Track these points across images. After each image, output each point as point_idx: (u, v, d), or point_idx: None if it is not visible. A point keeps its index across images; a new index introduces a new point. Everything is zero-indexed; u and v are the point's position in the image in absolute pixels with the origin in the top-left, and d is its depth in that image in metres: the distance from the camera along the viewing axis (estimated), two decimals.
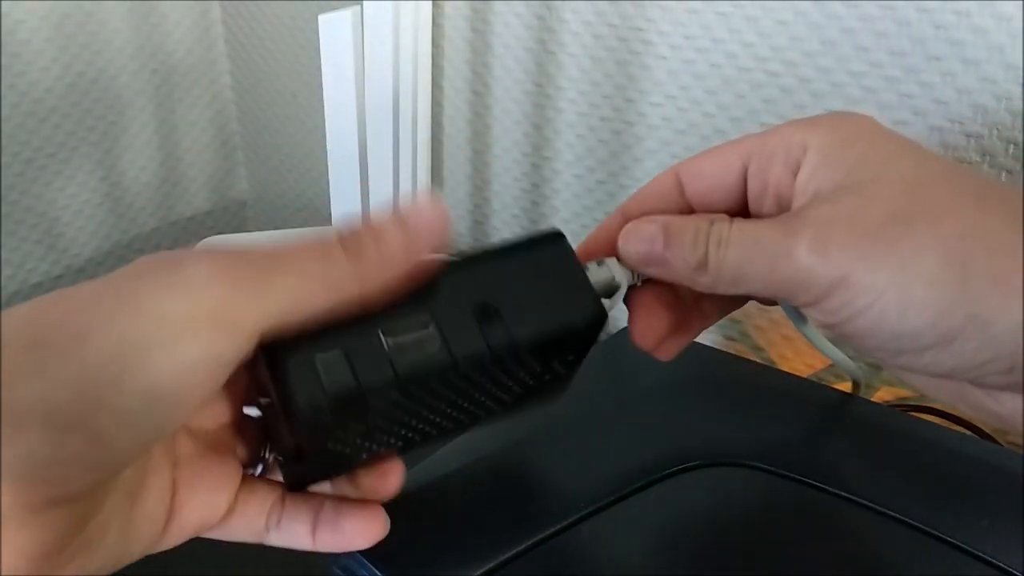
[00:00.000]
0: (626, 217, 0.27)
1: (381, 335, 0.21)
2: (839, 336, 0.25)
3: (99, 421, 0.18)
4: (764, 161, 0.26)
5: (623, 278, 0.26)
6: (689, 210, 0.28)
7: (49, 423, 0.17)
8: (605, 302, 0.25)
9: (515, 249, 0.24)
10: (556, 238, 0.25)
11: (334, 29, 0.37)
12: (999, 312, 0.21)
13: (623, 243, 0.26)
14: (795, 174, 0.25)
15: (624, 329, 0.40)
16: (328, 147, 0.39)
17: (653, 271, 0.26)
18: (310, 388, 0.20)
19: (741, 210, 0.27)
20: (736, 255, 0.25)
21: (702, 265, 0.25)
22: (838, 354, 0.31)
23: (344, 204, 0.40)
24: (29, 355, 0.18)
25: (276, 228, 0.78)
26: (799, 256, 0.23)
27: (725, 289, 0.25)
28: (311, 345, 0.20)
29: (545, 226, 0.57)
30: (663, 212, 0.27)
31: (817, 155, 0.25)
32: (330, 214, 0.49)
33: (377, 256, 0.21)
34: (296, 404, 0.20)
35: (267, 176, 0.77)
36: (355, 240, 0.21)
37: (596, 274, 0.25)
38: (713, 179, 0.27)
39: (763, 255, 0.24)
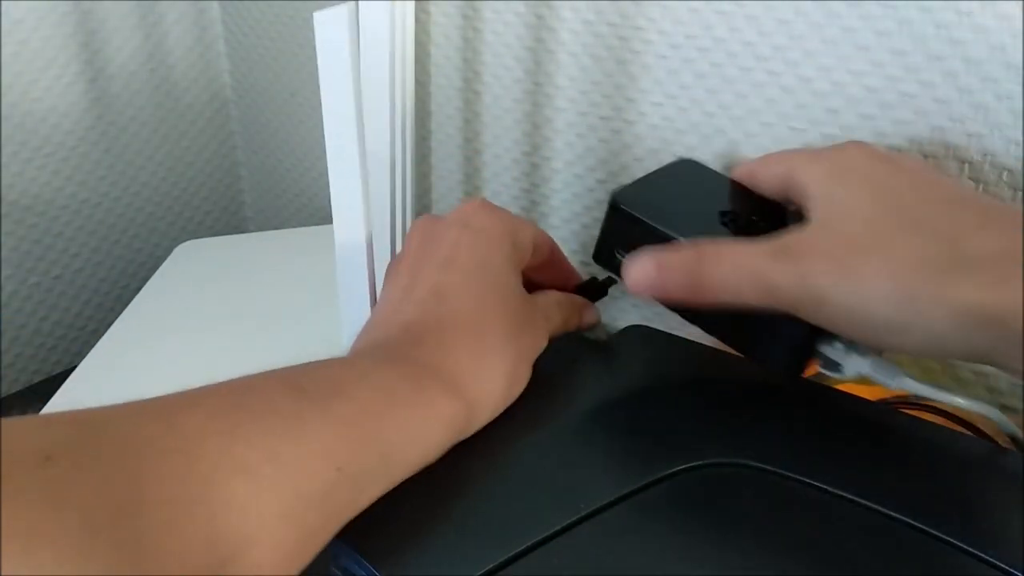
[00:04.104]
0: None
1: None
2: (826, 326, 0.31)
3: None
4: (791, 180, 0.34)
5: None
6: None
7: None
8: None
9: None
10: None
11: (329, 26, 0.36)
12: (936, 315, 0.27)
13: (625, 274, 0.33)
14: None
15: (624, 329, 0.40)
16: (327, 148, 0.39)
17: (655, 295, 0.33)
18: None
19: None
20: (726, 274, 0.31)
21: (695, 286, 0.31)
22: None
23: (344, 205, 0.40)
24: None
25: (276, 228, 0.78)
26: (775, 279, 0.30)
27: (717, 303, 0.31)
28: None
29: (544, 224, 0.57)
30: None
31: (813, 192, 0.32)
32: (330, 214, 0.48)
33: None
34: None
35: (267, 176, 0.77)
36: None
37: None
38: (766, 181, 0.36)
39: (747, 276, 0.30)
